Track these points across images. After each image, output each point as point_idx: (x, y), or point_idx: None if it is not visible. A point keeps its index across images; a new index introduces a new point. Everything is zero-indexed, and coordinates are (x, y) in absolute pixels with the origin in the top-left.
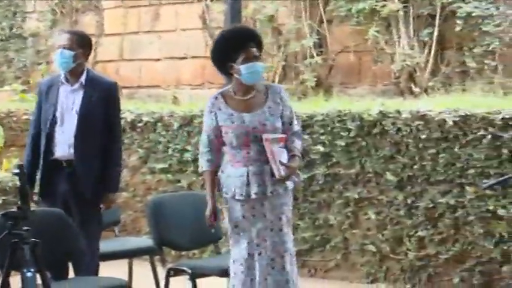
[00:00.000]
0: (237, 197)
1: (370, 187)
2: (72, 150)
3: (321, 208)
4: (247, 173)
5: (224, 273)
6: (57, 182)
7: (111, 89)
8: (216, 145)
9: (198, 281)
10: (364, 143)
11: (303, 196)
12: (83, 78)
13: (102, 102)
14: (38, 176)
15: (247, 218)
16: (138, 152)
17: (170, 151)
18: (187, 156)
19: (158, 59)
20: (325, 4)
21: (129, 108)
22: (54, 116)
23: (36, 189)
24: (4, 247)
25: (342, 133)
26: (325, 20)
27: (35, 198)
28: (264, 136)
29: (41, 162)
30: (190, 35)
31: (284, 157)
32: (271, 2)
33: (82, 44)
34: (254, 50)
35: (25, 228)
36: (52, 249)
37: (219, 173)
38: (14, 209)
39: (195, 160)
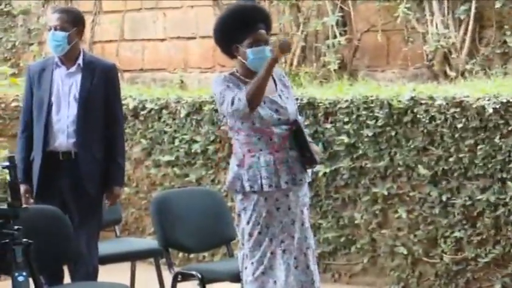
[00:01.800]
0: (265, 189)
1: (401, 182)
2: (70, 140)
3: (346, 205)
4: (274, 161)
5: (238, 278)
6: (53, 176)
7: (112, 72)
8: None
9: (209, 286)
10: (393, 133)
11: (325, 192)
12: (80, 60)
13: (102, 87)
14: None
15: (271, 212)
16: (141, 143)
17: (177, 142)
18: (196, 147)
19: (163, 39)
20: None
21: (131, 94)
22: (49, 102)
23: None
24: None
25: (369, 122)
26: None
27: (28, 196)
28: (298, 119)
29: (36, 154)
30: (199, 12)
31: None
32: None
33: (75, 22)
34: (263, 32)
35: (16, 227)
36: (47, 251)
37: (234, 169)
38: (4, 206)
39: (204, 152)
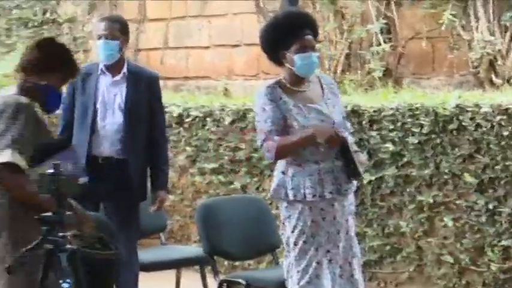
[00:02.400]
0: (308, 199)
1: (447, 190)
2: (113, 148)
3: (392, 214)
4: (319, 171)
5: (283, 286)
6: (91, 179)
7: (155, 81)
8: None
9: None
10: (439, 141)
11: (371, 200)
12: (124, 69)
13: (147, 96)
14: None
15: (317, 222)
16: (186, 151)
17: (221, 149)
18: (241, 155)
19: (207, 47)
20: None
21: (175, 102)
22: (94, 109)
23: None
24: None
25: (414, 129)
26: (393, 2)
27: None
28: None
29: None
30: (243, 19)
31: None
32: None
33: (124, 30)
34: (310, 38)
35: (61, 234)
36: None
37: (279, 176)
38: (49, 213)
39: (249, 159)
